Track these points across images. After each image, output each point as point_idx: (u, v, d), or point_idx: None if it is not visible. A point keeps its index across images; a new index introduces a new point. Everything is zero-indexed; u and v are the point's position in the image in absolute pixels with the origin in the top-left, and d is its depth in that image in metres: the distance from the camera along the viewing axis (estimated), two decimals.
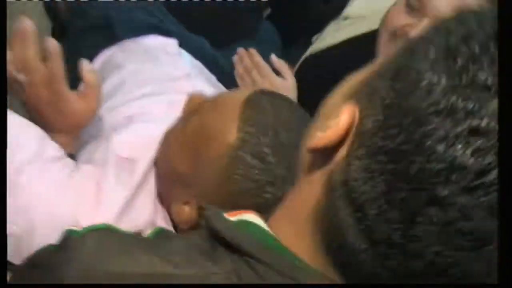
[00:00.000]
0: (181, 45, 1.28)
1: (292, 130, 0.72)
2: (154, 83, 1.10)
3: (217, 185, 0.76)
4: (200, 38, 1.36)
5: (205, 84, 1.17)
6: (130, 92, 1.07)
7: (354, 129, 0.46)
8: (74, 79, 0.92)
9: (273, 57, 1.18)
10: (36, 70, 0.82)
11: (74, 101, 0.86)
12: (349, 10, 1.29)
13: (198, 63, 1.26)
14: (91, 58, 1.13)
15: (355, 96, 0.48)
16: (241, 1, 1.44)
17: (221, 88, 1.24)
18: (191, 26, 1.36)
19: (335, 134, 0.46)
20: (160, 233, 0.65)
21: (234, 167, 0.74)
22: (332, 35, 1.27)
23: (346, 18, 1.27)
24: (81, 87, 0.87)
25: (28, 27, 0.81)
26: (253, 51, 1.26)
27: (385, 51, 1.04)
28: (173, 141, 0.84)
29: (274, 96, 0.80)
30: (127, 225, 0.79)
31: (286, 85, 1.18)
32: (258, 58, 1.20)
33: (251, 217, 0.54)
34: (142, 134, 0.91)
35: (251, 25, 1.50)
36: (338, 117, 0.46)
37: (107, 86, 1.09)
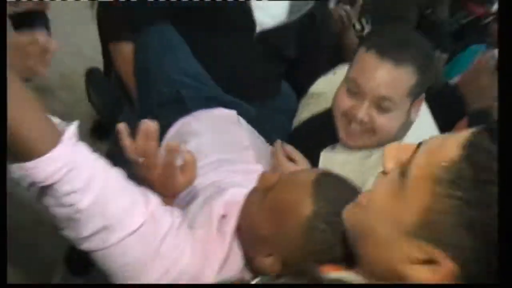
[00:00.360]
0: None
1: (347, 201, 0.87)
2: (226, 151, 1.31)
3: (296, 245, 0.93)
4: (245, 104, 1.53)
5: (261, 148, 1.40)
6: (208, 157, 1.27)
7: None
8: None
9: (287, 146, 1.27)
10: (155, 160, 1.02)
11: (178, 176, 1.05)
12: (314, 88, 1.42)
13: (251, 128, 1.47)
14: (166, 127, 1.37)
15: (438, 242, 0.67)
16: (262, 64, 1.59)
17: (267, 147, 1.44)
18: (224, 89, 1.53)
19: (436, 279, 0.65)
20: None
21: (311, 232, 0.91)
22: (301, 111, 1.43)
23: (312, 96, 1.41)
24: (180, 162, 1.07)
25: (151, 126, 1.01)
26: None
27: (341, 127, 1.18)
28: (255, 211, 1.01)
29: (332, 176, 1.00)
30: (223, 277, 0.99)
31: (296, 168, 1.25)
32: (277, 146, 1.30)
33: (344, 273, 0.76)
34: (233, 197, 1.10)
35: (277, 86, 1.67)
36: (439, 267, 0.67)
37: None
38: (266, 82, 1.61)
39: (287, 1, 1.53)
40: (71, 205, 0.82)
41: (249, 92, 1.54)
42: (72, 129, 0.83)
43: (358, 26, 1.95)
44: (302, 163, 1.24)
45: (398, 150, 0.76)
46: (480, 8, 2.23)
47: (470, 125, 1.27)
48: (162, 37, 1.50)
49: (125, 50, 1.56)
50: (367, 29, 1.98)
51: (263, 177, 1.04)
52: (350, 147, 1.21)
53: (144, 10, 1.50)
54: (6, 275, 0.77)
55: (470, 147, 0.67)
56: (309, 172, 1.03)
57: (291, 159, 1.24)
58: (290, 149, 1.25)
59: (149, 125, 1.00)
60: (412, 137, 1.16)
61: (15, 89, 0.75)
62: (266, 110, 1.59)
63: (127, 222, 0.87)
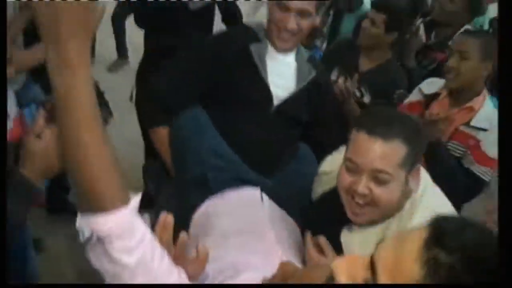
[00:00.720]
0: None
1: None
2: (247, 232, 1.36)
3: None
4: (266, 180, 1.63)
5: (282, 227, 1.45)
6: (229, 238, 1.33)
7: None
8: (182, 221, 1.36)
9: (319, 237, 1.29)
10: (168, 249, 1.05)
11: (186, 267, 1.08)
12: (323, 167, 1.50)
13: (274, 206, 1.53)
14: (194, 206, 1.52)
15: None
16: (280, 133, 1.71)
17: (289, 221, 1.52)
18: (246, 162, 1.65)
19: None
20: None
21: None
22: (315, 188, 1.51)
23: (322, 174, 1.49)
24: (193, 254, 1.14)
25: (168, 218, 1.07)
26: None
27: (346, 205, 1.26)
28: None
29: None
30: None
31: (326, 262, 1.28)
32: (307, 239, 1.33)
33: None
34: (245, 282, 1.15)
35: (294, 150, 1.76)
36: None
37: (210, 231, 1.40)
38: (284, 149, 1.72)
39: (294, 73, 1.70)
40: (120, 260, 0.87)
41: (269, 161, 1.67)
42: (138, 197, 0.90)
43: (357, 94, 2.17)
44: (331, 256, 1.26)
45: (348, 264, 0.74)
46: (441, 55, 2.52)
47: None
48: (192, 120, 1.66)
49: (162, 133, 1.72)
50: (365, 95, 2.20)
51: (282, 267, 1.09)
52: (359, 224, 1.28)
53: (176, 97, 1.68)
54: (6, 275, 0.77)
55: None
56: (325, 270, 1.05)
57: (321, 251, 1.28)
58: (322, 241, 1.28)
59: (167, 218, 1.07)
60: (425, 210, 1.23)
61: (98, 142, 0.81)
62: (285, 176, 1.68)
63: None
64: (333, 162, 1.46)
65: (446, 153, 1.81)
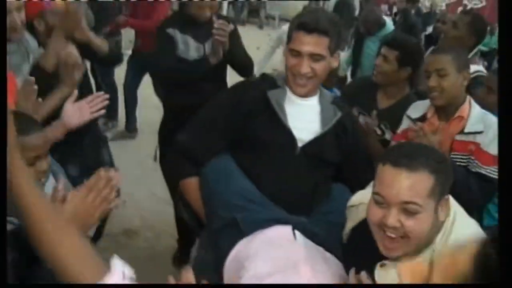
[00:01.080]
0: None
1: None
2: (281, 270, 1.35)
3: None
4: (298, 217, 1.62)
5: (318, 262, 1.44)
6: (263, 280, 1.32)
7: None
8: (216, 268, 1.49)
9: (361, 274, 1.30)
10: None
11: None
12: (351, 201, 1.52)
13: (308, 242, 1.52)
14: (227, 249, 1.52)
15: None
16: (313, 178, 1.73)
17: (327, 256, 1.51)
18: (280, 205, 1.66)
19: None
20: None
21: None
22: (347, 222, 1.52)
23: (352, 207, 1.50)
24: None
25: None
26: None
27: (378, 240, 1.26)
28: None
29: None
30: None
31: None
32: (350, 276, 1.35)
33: None
34: None
35: (326, 190, 1.77)
36: None
37: (243, 274, 1.39)
38: (315, 189, 1.73)
39: (318, 115, 1.73)
40: None
41: (300, 202, 1.67)
42: (119, 263, 0.89)
43: (379, 131, 2.20)
44: None
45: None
46: None
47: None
48: (219, 167, 1.70)
49: (193, 184, 1.75)
50: (387, 133, 2.22)
51: None
52: (393, 258, 1.28)
53: (203, 148, 1.73)
54: (6, 275, 0.77)
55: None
56: None
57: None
58: (363, 278, 1.28)
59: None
60: (458, 238, 1.24)
61: (57, 229, 0.86)
62: (319, 214, 1.68)
63: None
64: (360, 195, 1.50)
65: (456, 168, 1.78)
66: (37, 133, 1.34)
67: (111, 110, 4.43)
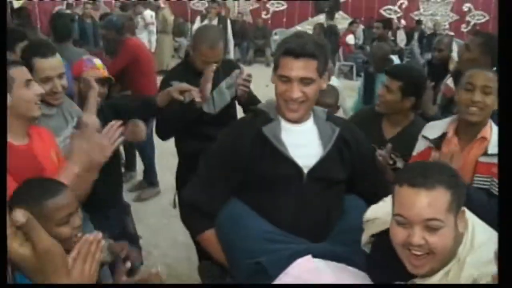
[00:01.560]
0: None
1: None
2: None
3: None
4: (317, 244, 1.63)
5: (344, 277, 1.47)
6: None
7: None
8: None
9: None
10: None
11: None
12: (366, 216, 1.54)
13: (330, 263, 1.54)
14: None
15: None
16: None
17: (352, 270, 1.53)
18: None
19: None
20: None
21: None
22: (365, 232, 1.53)
23: (368, 221, 1.53)
24: None
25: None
26: None
27: (405, 259, 1.28)
28: None
29: None
30: None
31: None
32: None
33: None
34: None
35: (340, 207, 1.77)
36: None
37: None
38: (331, 209, 1.73)
39: (317, 137, 1.72)
40: None
41: (318, 226, 1.67)
42: None
43: (391, 162, 2.23)
44: None
45: None
46: (450, 91, 2.71)
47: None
48: (232, 214, 1.71)
49: (210, 236, 1.76)
50: (398, 161, 2.27)
51: None
52: (420, 275, 1.31)
53: (210, 201, 1.73)
54: (6, 275, 0.77)
55: None
56: None
57: None
58: None
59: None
60: (480, 248, 1.26)
61: None
62: (336, 234, 1.68)
63: None
64: (374, 210, 1.52)
65: (476, 193, 1.77)
66: (64, 192, 1.39)
67: (128, 161, 4.49)
